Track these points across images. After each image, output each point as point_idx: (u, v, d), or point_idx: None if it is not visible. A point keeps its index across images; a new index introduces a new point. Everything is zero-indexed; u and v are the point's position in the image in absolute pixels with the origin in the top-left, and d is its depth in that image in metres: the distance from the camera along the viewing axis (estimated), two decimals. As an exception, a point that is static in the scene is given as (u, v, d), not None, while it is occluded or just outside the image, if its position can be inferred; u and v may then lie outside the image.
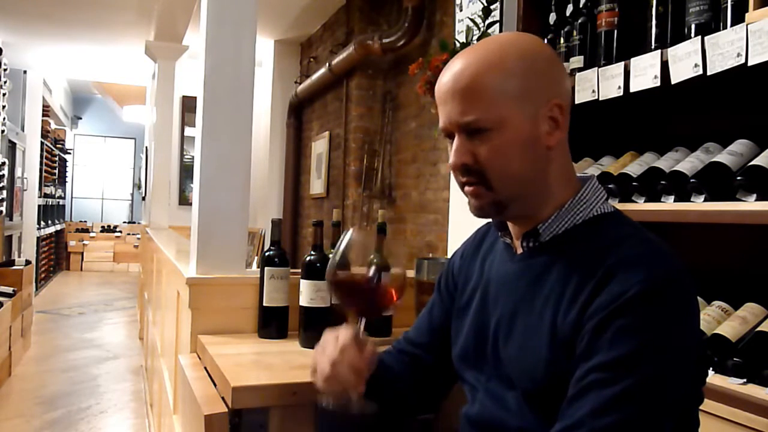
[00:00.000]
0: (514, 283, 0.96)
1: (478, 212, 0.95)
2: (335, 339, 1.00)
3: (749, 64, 1.19)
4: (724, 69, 1.25)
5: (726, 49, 1.24)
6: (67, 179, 11.65)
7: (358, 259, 1.01)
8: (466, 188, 0.93)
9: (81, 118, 12.53)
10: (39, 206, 8.51)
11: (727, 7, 1.29)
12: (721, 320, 1.32)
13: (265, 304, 1.61)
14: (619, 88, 1.52)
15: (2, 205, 5.77)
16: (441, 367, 1.11)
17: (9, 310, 4.25)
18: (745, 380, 1.20)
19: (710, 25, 1.34)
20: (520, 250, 0.97)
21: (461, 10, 2.38)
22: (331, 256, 1.02)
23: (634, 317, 0.80)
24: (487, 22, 2.11)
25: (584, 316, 0.83)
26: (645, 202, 1.48)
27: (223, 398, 1.23)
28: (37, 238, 8.44)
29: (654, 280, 0.81)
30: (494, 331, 0.97)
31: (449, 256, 1.20)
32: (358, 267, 1.01)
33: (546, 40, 1.85)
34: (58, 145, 10.11)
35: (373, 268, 1.00)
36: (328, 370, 0.97)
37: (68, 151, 11.50)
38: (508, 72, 0.89)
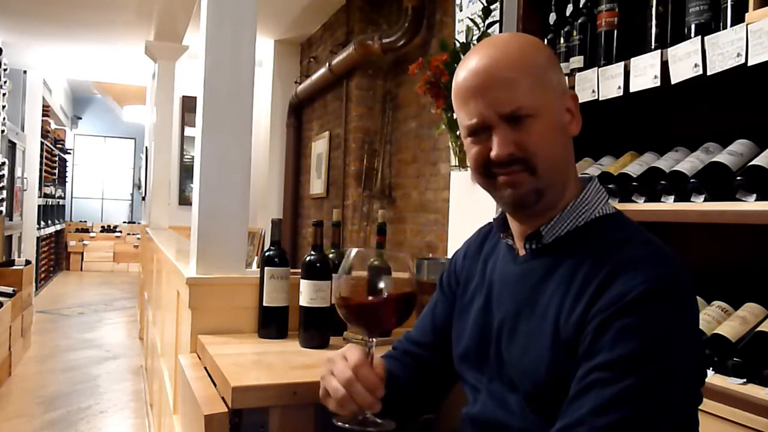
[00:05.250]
0: (517, 285, 0.96)
1: (517, 202, 0.92)
2: (343, 359, 0.96)
3: (749, 64, 1.19)
4: (724, 69, 1.25)
5: (726, 49, 1.24)
6: (67, 179, 11.65)
7: (362, 279, 0.98)
8: (502, 179, 0.91)
9: (81, 118, 12.53)
10: (39, 206, 8.51)
11: (727, 7, 1.29)
12: (721, 320, 1.32)
13: (265, 304, 1.60)
14: (619, 88, 1.52)
15: (2, 205, 5.77)
16: (445, 366, 1.10)
17: (9, 310, 4.25)
18: (745, 380, 1.20)
19: (710, 25, 1.34)
20: (522, 252, 0.97)
21: (461, 10, 2.38)
22: (335, 277, 1.00)
23: (636, 318, 0.80)
24: (487, 22, 2.11)
25: (587, 317, 0.83)
26: (645, 202, 1.48)
27: (223, 398, 1.23)
28: (37, 238, 8.44)
29: (656, 282, 0.81)
30: (497, 332, 0.97)
31: (449, 256, 1.20)
32: (362, 285, 0.98)
33: (546, 40, 1.85)
34: (58, 145, 10.12)
35: (382, 285, 0.97)
36: (342, 391, 0.93)
37: (68, 151, 11.50)
38: (536, 63, 0.92)
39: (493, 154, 0.90)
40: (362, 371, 0.93)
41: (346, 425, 0.94)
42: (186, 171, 7.57)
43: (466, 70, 0.92)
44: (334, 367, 0.96)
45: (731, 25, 1.27)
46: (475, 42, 2.10)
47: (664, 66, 1.40)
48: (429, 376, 1.13)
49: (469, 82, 0.91)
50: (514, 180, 0.91)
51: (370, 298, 0.97)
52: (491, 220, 1.07)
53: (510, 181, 0.91)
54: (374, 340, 0.98)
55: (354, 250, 1.00)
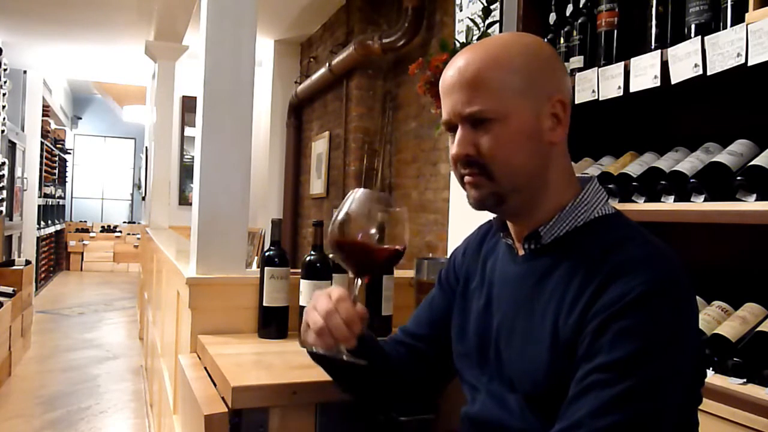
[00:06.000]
0: (516, 285, 0.96)
1: (478, 203, 0.95)
2: (327, 295, 0.98)
3: (749, 64, 1.19)
4: (724, 69, 1.25)
5: (726, 49, 1.24)
6: (67, 179, 11.65)
7: (360, 220, 0.99)
8: (466, 179, 0.94)
9: (81, 118, 12.53)
10: (39, 206, 8.51)
11: (727, 7, 1.29)
12: (721, 320, 1.32)
13: (265, 304, 1.61)
14: (619, 88, 1.52)
15: (2, 205, 5.77)
16: (440, 360, 1.11)
17: (9, 310, 4.25)
18: (745, 380, 1.20)
19: (710, 25, 1.34)
20: (521, 252, 0.97)
21: (461, 10, 2.38)
22: (334, 213, 1.01)
23: (635, 319, 0.80)
24: (487, 22, 2.11)
25: (586, 318, 0.83)
26: (645, 202, 1.48)
27: (223, 398, 1.23)
28: (37, 238, 8.44)
29: (655, 283, 0.81)
30: (496, 332, 0.97)
31: (449, 256, 1.20)
32: (360, 225, 0.99)
33: (546, 40, 1.85)
34: (58, 145, 10.12)
35: (374, 231, 0.98)
36: (322, 322, 0.94)
37: (68, 151, 11.50)
38: (513, 67, 0.90)
39: (451, 152, 0.93)
40: (342, 305, 0.95)
41: (320, 351, 0.97)
42: (186, 171, 7.57)
43: (447, 67, 0.95)
44: (317, 302, 0.98)
45: (731, 25, 1.27)
46: (475, 42, 2.10)
47: (664, 66, 1.40)
48: (424, 369, 1.13)
49: (444, 80, 0.94)
50: (475, 181, 0.93)
51: (360, 237, 0.98)
52: (491, 219, 1.08)
53: (471, 182, 0.93)
54: (359, 281, 1.00)
55: (359, 191, 1.01)
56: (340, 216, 0.98)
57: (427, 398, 1.19)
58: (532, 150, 0.91)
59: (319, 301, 0.97)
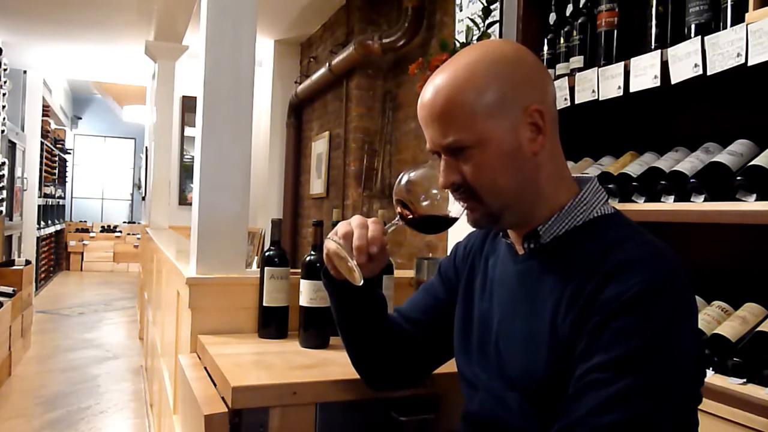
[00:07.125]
0: (516, 284, 0.96)
1: (475, 225, 0.97)
2: (365, 218, 1.04)
3: (749, 64, 1.19)
4: (724, 69, 1.25)
5: (726, 49, 1.24)
6: (67, 179, 11.65)
7: (420, 189, 1.01)
8: (460, 203, 0.96)
9: (81, 118, 12.53)
10: (39, 206, 8.51)
11: (727, 7, 1.29)
12: (721, 320, 1.32)
13: (265, 304, 1.61)
14: (619, 88, 1.52)
15: (2, 205, 5.77)
16: (426, 345, 1.15)
17: (9, 310, 4.25)
18: (745, 380, 1.20)
19: (710, 25, 1.34)
20: (521, 251, 0.97)
21: (461, 10, 2.38)
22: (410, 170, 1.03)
23: (633, 318, 0.80)
24: (487, 22, 2.11)
25: (584, 317, 0.83)
26: (645, 202, 1.48)
27: (223, 398, 1.23)
28: (37, 238, 8.44)
29: (653, 282, 0.81)
30: (497, 331, 0.98)
31: (451, 248, 1.21)
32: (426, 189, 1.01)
33: (546, 40, 1.85)
34: (58, 145, 10.11)
35: (436, 192, 1.00)
36: (349, 228, 1.01)
37: (68, 151, 11.50)
38: (480, 87, 0.89)
39: (439, 182, 0.95)
40: (374, 226, 1.02)
41: (340, 250, 1.02)
42: (186, 171, 7.57)
43: (422, 92, 0.95)
44: (353, 218, 1.05)
45: (731, 25, 1.27)
46: (474, 41, 2.10)
47: (664, 66, 1.40)
48: (407, 348, 1.15)
49: (419, 112, 0.95)
50: (467, 206, 0.95)
51: (425, 203, 1.00)
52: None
53: (465, 206, 0.95)
54: (398, 222, 1.04)
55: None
56: (413, 175, 1.02)
57: (405, 380, 1.21)
58: (515, 166, 0.91)
59: (356, 217, 1.05)
